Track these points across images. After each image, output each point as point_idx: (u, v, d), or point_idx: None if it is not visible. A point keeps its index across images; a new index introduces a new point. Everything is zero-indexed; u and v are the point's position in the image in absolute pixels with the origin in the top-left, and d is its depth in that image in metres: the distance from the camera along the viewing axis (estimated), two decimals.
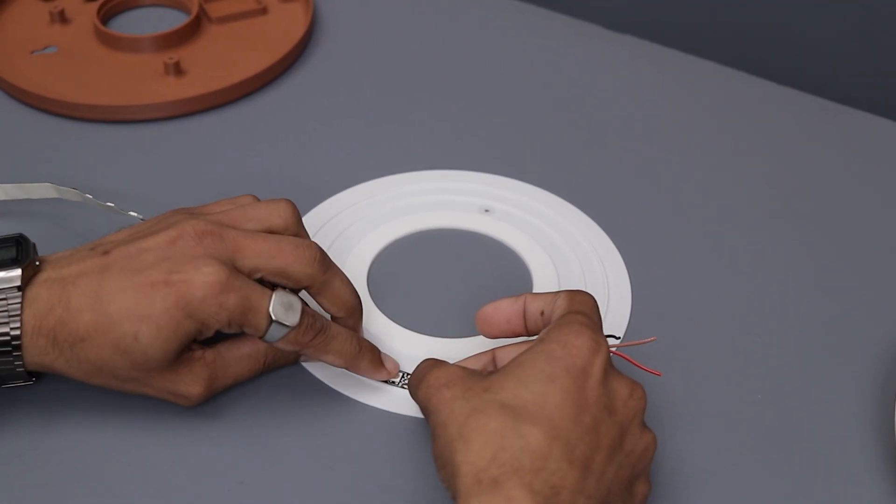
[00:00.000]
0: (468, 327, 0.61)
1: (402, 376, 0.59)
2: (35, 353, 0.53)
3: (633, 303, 0.64)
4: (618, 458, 0.48)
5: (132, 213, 0.64)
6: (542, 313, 0.54)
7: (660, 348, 0.58)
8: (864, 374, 0.60)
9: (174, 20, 0.86)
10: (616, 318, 0.63)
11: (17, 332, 0.52)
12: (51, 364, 0.53)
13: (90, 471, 0.55)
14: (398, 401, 0.58)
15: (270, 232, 0.56)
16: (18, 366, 0.53)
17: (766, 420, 0.58)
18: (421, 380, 0.52)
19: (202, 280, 0.52)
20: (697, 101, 0.80)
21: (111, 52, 0.82)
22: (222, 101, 0.78)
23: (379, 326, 0.62)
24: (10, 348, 0.52)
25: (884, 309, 0.64)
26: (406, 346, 0.60)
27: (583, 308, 0.52)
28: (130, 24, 0.87)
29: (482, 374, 0.51)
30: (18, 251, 0.54)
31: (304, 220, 0.62)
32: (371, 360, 0.58)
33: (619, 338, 0.55)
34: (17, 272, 0.53)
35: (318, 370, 0.59)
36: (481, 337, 0.60)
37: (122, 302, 0.52)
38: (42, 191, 0.67)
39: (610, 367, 0.50)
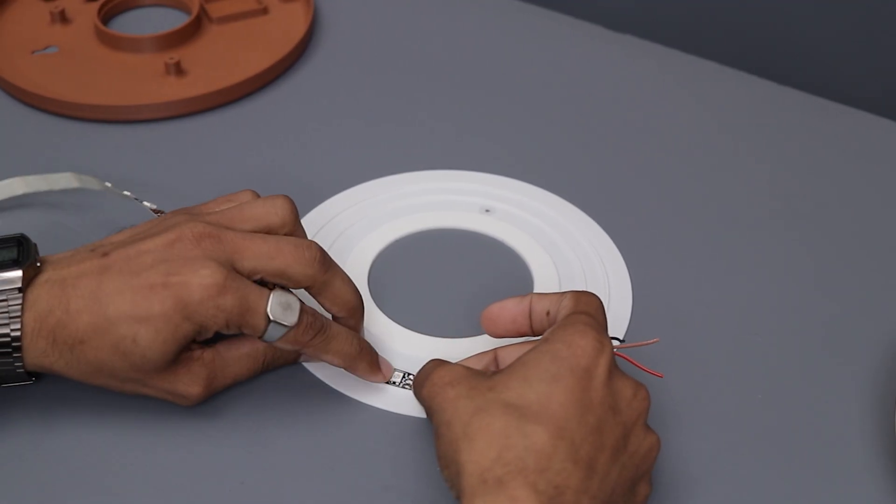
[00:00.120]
0: (469, 327, 0.62)
1: (404, 376, 0.59)
2: (35, 355, 0.53)
3: (634, 303, 0.64)
4: (622, 458, 0.48)
5: (146, 204, 0.65)
6: (548, 313, 0.54)
7: (660, 348, 0.58)
8: (865, 375, 0.60)
9: (175, 20, 0.86)
10: (617, 318, 0.63)
11: (18, 334, 0.52)
12: (50, 365, 0.53)
13: (90, 471, 0.55)
14: (399, 401, 0.58)
15: (268, 230, 0.56)
16: (18, 367, 0.53)
17: (766, 420, 0.58)
18: (425, 378, 0.52)
19: (199, 282, 0.52)
20: (698, 101, 0.80)
21: (112, 52, 0.82)
22: (223, 101, 0.78)
23: (380, 326, 0.62)
24: (10, 349, 0.52)
25: (884, 309, 0.64)
26: (407, 346, 0.60)
27: (588, 308, 0.52)
28: (131, 24, 0.87)
29: (486, 373, 0.51)
30: (20, 252, 0.54)
31: (305, 219, 0.62)
32: (369, 362, 0.58)
33: (623, 340, 0.55)
34: (18, 273, 0.53)
35: (319, 370, 0.59)
36: (482, 337, 0.61)
37: (120, 304, 0.52)
38: (64, 181, 0.68)
39: (614, 368, 0.50)
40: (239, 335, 0.56)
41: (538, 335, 0.54)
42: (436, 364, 0.53)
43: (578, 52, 0.85)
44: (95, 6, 0.85)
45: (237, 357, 0.56)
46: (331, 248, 0.66)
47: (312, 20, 0.85)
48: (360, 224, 0.68)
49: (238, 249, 0.54)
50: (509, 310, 0.55)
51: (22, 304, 0.52)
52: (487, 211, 0.69)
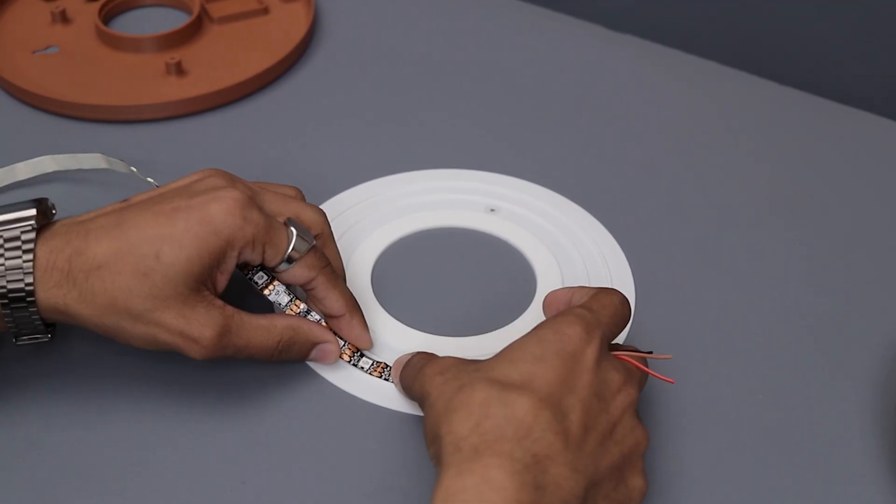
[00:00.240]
0: (471, 325, 0.62)
1: (387, 368, 0.59)
2: (48, 287, 0.52)
3: (637, 302, 0.64)
4: (607, 443, 0.48)
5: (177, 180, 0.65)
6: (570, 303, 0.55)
7: (662, 348, 0.58)
8: (866, 375, 0.60)
9: (175, 20, 0.86)
10: None
11: (30, 268, 0.52)
12: (63, 299, 0.52)
13: (91, 471, 0.55)
14: (402, 400, 0.58)
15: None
16: (34, 312, 0.53)
17: (767, 420, 0.58)
18: (418, 371, 0.53)
19: (224, 196, 0.53)
20: (699, 101, 0.80)
21: (112, 52, 0.82)
22: (224, 101, 0.78)
23: (383, 324, 0.62)
24: (24, 294, 0.52)
25: (885, 309, 0.64)
26: (409, 345, 0.60)
27: (593, 305, 0.52)
28: (132, 24, 0.87)
29: (476, 361, 0.51)
30: (36, 202, 0.54)
31: None
32: (363, 318, 0.59)
33: (638, 349, 0.55)
34: (33, 212, 0.53)
35: (322, 369, 0.59)
36: (484, 335, 0.61)
37: (142, 226, 0.52)
38: (93, 161, 0.70)
39: (604, 359, 0.50)
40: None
41: None
42: (427, 358, 0.54)
43: (579, 52, 0.85)
44: (96, 6, 0.85)
45: (256, 325, 0.56)
46: None
47: (313, 20, 0.85)
48: (363, 223, 0.68)
49: (257, 192, 0.57)
50: (558, 297, 0.57)
51: (35, 240, 0.52)
52: (492, 210, 0.70)
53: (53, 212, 0.56)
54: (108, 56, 0.82)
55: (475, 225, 0.69)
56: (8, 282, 0.52)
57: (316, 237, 0.58)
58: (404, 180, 0.72)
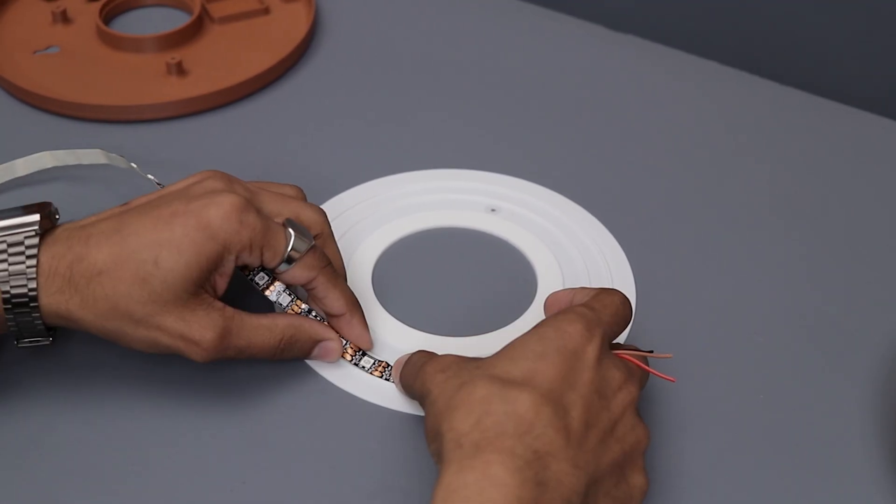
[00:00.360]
0: (472, 326, 0.62)
1: (388, 367, 0.59)
2: (51, 293, 0.52)
3: (638, 302, 0.64)
4: (608, 441, 0.48)
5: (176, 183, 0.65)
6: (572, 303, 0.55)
7: (663, 348, 0.58)
8: (866, 375, 0.60)
9: (176, 20, 0.86)
10: None
11: (34, 274, 0.52)
12: (66, 305, 0.53)
13: (91, 471, 0.55)
14: (402, 399, 0.58)
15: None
16: (36, 317, 0.53)
17: (767, 420, 0.58)
18: (419, 369, 0.53)
19: (221, 201, 0.53)
20: (700, 101, 0.80)
21: (113, 52, 0.82)
22: (224, 101, 0.78)
23: (383, 324, 0.62)
24: (27, 299, 0.52)
25: (886, 309, 0.64)
26: (410, 344, 0.60)
27: (595, 304, 0.53)
28: (132, 24, 0.87)
29: (477, 358, 0.52)
30: (39, 207, 0.55)
31: None
32: (363, 316, 0.59)
33: (639, 349, 0.55)
34: (36, 217, 0.53)
35: (322, 368, 0.59)
36: (485, 335, 0.61)
37: (141, 232, 0.53)
38: (92, 156, 0.70)
39: (605, 357, 0.50)
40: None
41: None
42: (427, 356, 0.54)
43: (580, 52, 0.85)
44: (97, 6, 0.85)
45: (256, 324, 0.56)
46: None
47: (314, 20, 0.85)
48: (363, 223, 0.68)
49: (255, 193, 0.57)
50: (559, 298, 0.58)
51: (39, 245, 0.53)
52: (493, 210, 0.70)
53: (56, 217, 0.56)
54: (108, 56, 0.82)
55: (476, 225, 0.69)
56: (11, 286, 0.52)
57: (315, 237, 0.58)
58: (405, 180, 0.72)
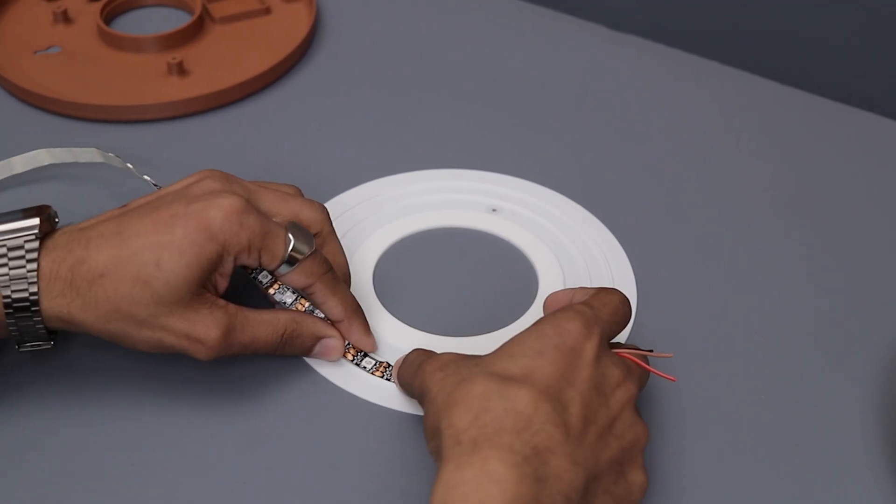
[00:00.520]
0: (473, 326, 0.62)
1: (389, 367, 0.59)
2: (52, 297, 0.52)
3: (638, 302, 0.64)
4: (607, 438, 0.48)
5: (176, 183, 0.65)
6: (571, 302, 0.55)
7: (663, 347, 0.58)
8: (866, 375, 0.60)
9: (177, 20, 0.86)
10: None
11: (34, 278, 0.52)
12: (67, 308, 0.53)
13: (92, 471, 0.55)
14: (403, 399, 0.58)
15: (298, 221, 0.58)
16: (38, 321, 0.53)
17: (768, 420, 0.58)
18: (417, 368, 0.53)
19: (221, 203, 0.53)
20: (701, 101, 0.80)
21: (114, 52, 0.82)
22: (225, 101, 0.78)
23: (384, 324, 0.62)
24: (28, 304, 0.52)
25: (887, 309, 0.64)
26: (411, 344, 0.60)
27: (594, 302, 0.53)
28: (133, 24, 0.87)
29: (475, 356, 0.52)
30: (39, 210, 0.55)
31: None
32: (364, 322, 0.59)
33: (639, 348, 0.55)
34: (36, 221, 0.53)
35: (323, 368, 0.59)
36: (486, 335, 0.61)
37: (142, 234, 0.53)
38: (88, 155, 0.70)
39: (604, 354, 0.50)
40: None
41: None
42: (426, 355, 0.54)
43: (582, 52, 0.85)
44: (98, 6, 0.85)
45: (259, 320, 0.56)
46: None
47: (315, 20, 0.85)
48: (365, 223, 0.68)
49: (255, 192, 0.57)
50: (559, 298, 0.58)
51: (39, 249, 0.53)
52: (494, 210, 0.69)
53: (56, 220, 0.56)
54: (109, 56, 0.82)
55: (477, 225, 0.69)
56: (12, 291, 0.52)
57: (315, 236, 0.58)
58: (406, 180, 0.72)
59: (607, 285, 0.64)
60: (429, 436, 0.49)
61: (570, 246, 0.67)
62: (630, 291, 0.64)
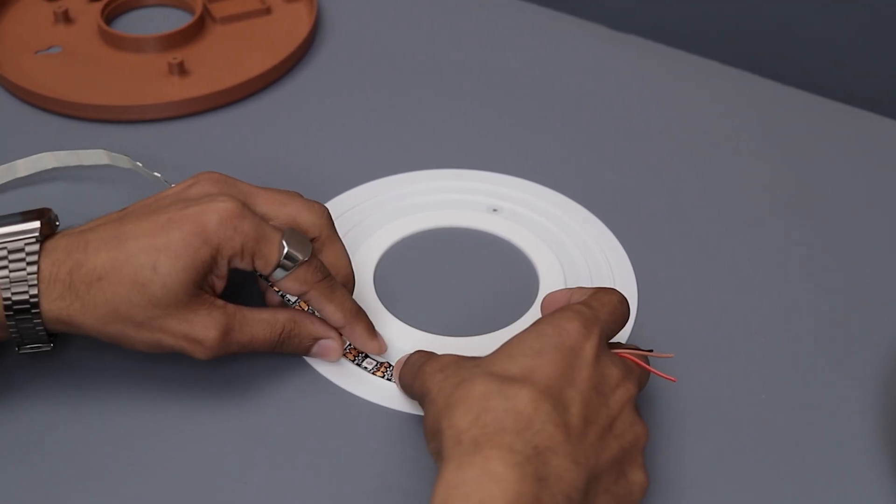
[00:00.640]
0: (474, 325, 0.62)
1: (390, 367, 0.59)
2: (52, 299, 0.53)
3: (639, 302, 0.64)
4: (607, 437, 0.48)
5: (174, 186, 0.65)
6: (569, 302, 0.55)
7: (664, 347, 0.58)
8: (867, 375, 0.60)
9: (178, 20, 0.86)
10: None
11: (35, 280, 0.52)
12: (67, 310, 0.53)
13: (92, 471, 0.55)
14: (404, 399, 0.58)
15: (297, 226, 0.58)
16: (38, 323, 0.53)
17: (769, 420, 0.58)
18: (418, 369, 0.53)
19: (217, 206, 0.53)
20: (702, 101, 0.80)
21: (115, 52, 0.82)
22: (226, 101, 0.78)
23: (385, 324, 0.62)
24: (28, 306, 0.53)
25: (887, 309, 0.64)
26: (412, 344, 0.60)
27: (593, 302, 0.53)
28: (134, 24, 0.87)
29: (475, 357, 0.52)
30: (39, 213, 0.55)
31: None
32: (367, 325, 0.59)
33: (640, 348, 0.55)
34: (37, 224, 0.54)
35: (323, 368, 0.59)
36: (486, 335, 0.61)
37: (139, 237, 0.53)
38: (95, 157, 0.70)
39: (604, 354, 0.50)
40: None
41: None
42: (426, 356, 0.54)
43: (583, 52, 0.85)
44: (99, 6, 0.85)
45: (257, 319, 0.56)
46: None
47: (316, 20, 0.85)
48: (365, 223, 0.68)
49: (252, 195, 0.57)
50: (557, 298, 0.57)
51: (39, 252, 0.53)
52: (494, 210, 0.69)
53: (56, 223, 0.56)
54: (110, 56, 0.82)
55: (477, 225, 0.69)
56: (13, 293, 0.52)
57: (314, 240, 0.58)
58: (407, 180, 0.72)
59: (608, 285, 0.64)
60: (429, 436, 0.49)
61: (570, 246, 0.67)
62: (631, 291, 0.64)
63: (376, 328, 0.60)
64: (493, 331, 0.62)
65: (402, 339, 0.61)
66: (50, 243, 0.54)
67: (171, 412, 0.57)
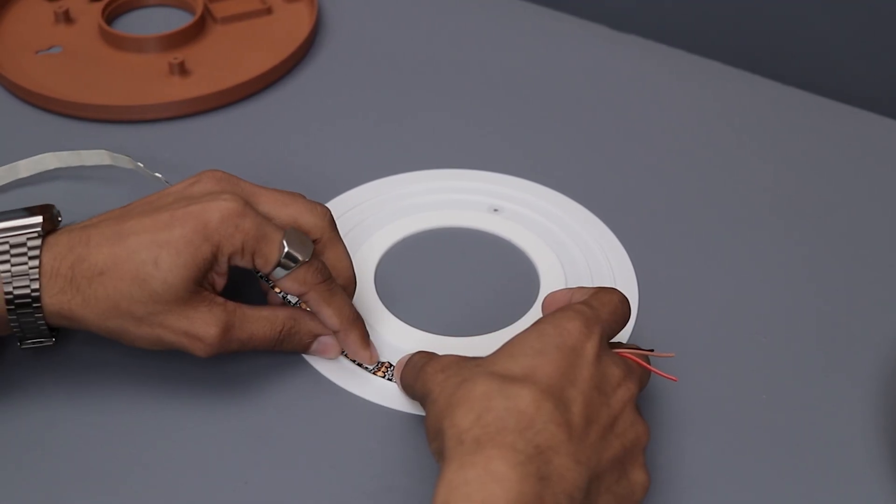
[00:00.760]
0: (475, 325, 0.62)
1: (390, 367, 0.59)
2: (53, 293, 0.53)
3: (640, 302, 0.64)
4: (609, 436, 0.48)
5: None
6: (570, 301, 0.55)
7: (665, 347, 0.58)
8: (868, 375, 0.60)
9: (179, 20, 0.86)
10: None
11: (36, 275, 0.52)
12: (68, 305, 0.53)
13: (93, 469, 0.55)
14: (403, 399, 0.58)
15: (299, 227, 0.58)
16: (39, 318, 0.53)
17: (770, 420, 0.58)
18: (419, 370, 0.53)
19: (219, 204, 0.54)
20: (703, 101, 0.80)
21: (116, 52, 0.82)
22: (227, 101, 0.78)
23: (386, 324, 0.62)
24: (29, 300, 0.53)
25: (888, 309, 0.64)
26: (413, 344, 0.60)
27: (594, 302, 0.53)
28: (135, 24, 0.87)
29: (476, 357, 0.52)
30: (42, 209, 0.55)
31: None
32: (363, 333, 0.59)
33: (640, 348, 0.55)
34: (39, 219, 0.54)
35: (324, 367, 0.59)
36: (487, 335, 0.61)
37: (141, 233, 0.53)
38: (97, 157, 0.70)
39: (605, 353, 0.50)
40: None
41: None
42: (427, 357, 0.54)
43: (583, 52, 0.85)
44: (99, 6, 0.85)
45: (257, 316, 0.57)
46: None
47: (316, 20, 0.85)
48: (366, 223, 0.68)
49: (254, 194, 0.57)
50: (557, 298, 0.57)
51: (41, 246, 0.53)
52: (495, 210, 0.70)
53: (59, 219, 0.57)
54: (111, 56, 0.82)
55: (478, 225, 0.69)
56: (14, 287, 0.53)
57: (315, 242, 0.58)
58: (407, 180, 0.72)
59: (609, 285, 0.64)
60: (431, 436, 0.49)
61: (571, 246, 0.67)
62: (631, 291, 0.64)
63: (377, 328, 0.61)
64: (494, 331, 0.62)
65: (402, 339, 0.61)
66: (52, 238, 0.54)
67: (172, 411, 0.57)
